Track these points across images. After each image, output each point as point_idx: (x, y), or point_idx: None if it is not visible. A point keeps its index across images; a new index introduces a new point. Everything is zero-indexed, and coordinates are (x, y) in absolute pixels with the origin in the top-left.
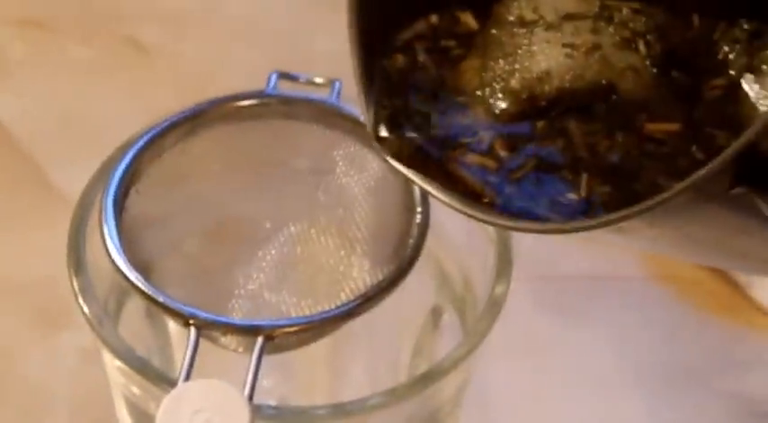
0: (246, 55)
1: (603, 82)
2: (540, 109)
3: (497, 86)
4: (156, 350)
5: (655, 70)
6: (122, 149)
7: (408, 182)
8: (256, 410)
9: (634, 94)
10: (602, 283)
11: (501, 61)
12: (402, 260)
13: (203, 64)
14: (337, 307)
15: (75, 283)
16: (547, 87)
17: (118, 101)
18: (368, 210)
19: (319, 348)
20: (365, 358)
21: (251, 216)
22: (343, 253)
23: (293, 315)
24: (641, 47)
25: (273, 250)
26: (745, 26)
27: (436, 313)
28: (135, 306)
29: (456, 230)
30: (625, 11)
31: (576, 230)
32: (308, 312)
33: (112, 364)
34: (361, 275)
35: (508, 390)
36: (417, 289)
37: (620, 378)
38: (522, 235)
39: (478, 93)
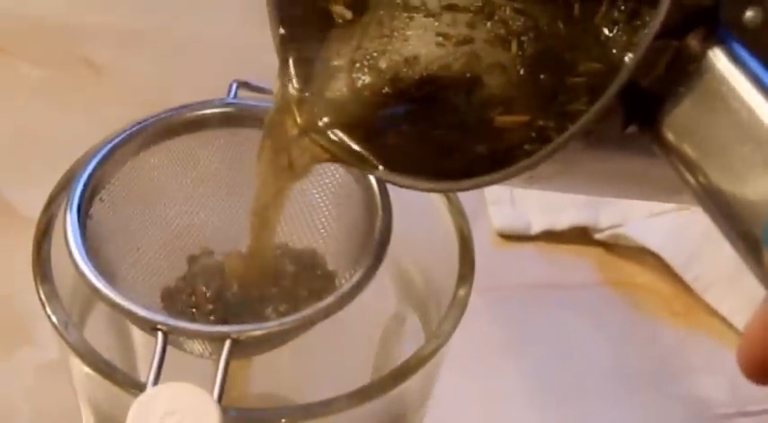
0: (200, 72)
1: (468, 75)
2: (402, 92)
3: (366, 63)
4: (119, 360)
5: (522, 71)
6: (86, 157)
7: (370, 188)
8: (225, 412)
9: (497, 90)
10: (555, 292)
11: (376, 40)
12: (365, 265)
13: (157, 81)
14: (301, 312)
15: (40, 291)
16: (411, 71)
17: (72, 119)
18: (330, 216)
19: (283, 353)
20: (329, 363)
21: (214, 223)
22: (306, 259)
23: (258, 321)
24: (514, 46)
25: (238, 257)
26: (623, 7)
27: (399, 319)
28: (98, 316)
29: (419, 237)
30: (508, 10)
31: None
32: (273, 318)
33: (80, 371)
34: (325, 281)
35: (461, 397)
36: (380, 295)
37: (575, 383)
38: (475, 245)
39: (351, 63)
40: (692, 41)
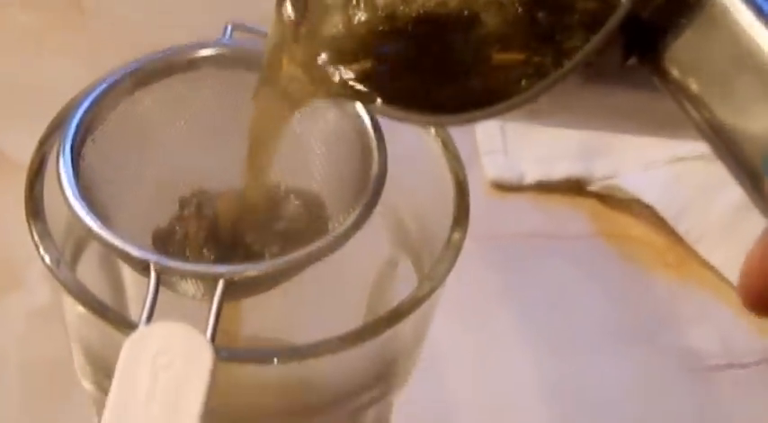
0: (192, 15)
1: (466, 12)
2: (399, 29)
3: (361, 2)
4: (110, 304)
5: (519, 9)
6: (79, 98)
7: (366, 133)
8: (218, 352)
9: (495, 28)
10: (549, 242)
11: None
12: (359, 208)
13: (148, 25)
14: (294, 253)
15: (33, 230)
16: (408, 9)
17: (62, 64)
18: (325, 160)
19: (276, 297)
20: (322, 308)
21: (208, 165)
22: (301, 201)
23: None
24: None
25: (231, 198)
26: None
27: (392, 264)
28: (89, 259)
29: (414, 183)
30: None
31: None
32: (266, 259)
33: (72, 311)
34: (320, 223)
35: (456, 346)
36: (374, 240)
37: (567, 332)
38: (471, 196)
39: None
40: None
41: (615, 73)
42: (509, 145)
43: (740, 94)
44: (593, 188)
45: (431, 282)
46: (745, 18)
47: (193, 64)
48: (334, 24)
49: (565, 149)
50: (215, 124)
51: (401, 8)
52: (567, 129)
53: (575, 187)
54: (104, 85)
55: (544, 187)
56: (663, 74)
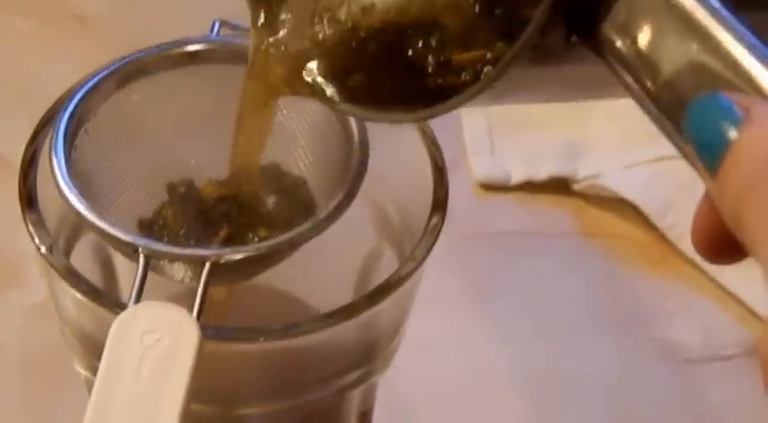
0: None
1: (425, 17)
2: (364, 39)
3: (326, 15)
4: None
5: (477, 8)
6: (71, 91)
7: (348, 123)
8: (204, 331)
9: (455, 29)
10: (533, 239)
11: None
12: (341, 194)
13: (143, 32)
14: (280, 236)
15: (27, 219)
16: (369, 19)
17: (59, 69)
18: (309, 149)
19: (263, 284)
20: (308, 295)
21: (196, 156)
22: (286, 187)
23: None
24: None
25: (217, 184)
26: None
27: (376, 254)
28: (82, 250)
29: (395, 172)
30: None
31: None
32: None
33: (65, 297)
34: (306, 209)
35: (442, 338)
36: (358, 230)
37: (551, 328)
38: (455, 195)
39: (312, 15)
40: None
41: (562, 50)
42: (496, 146)
43: (667, 63)
44: (577, 187)
45: (411, 262)
46: None
47: (182, 59)
48: (301, 35)
49: (550, 150)
50: (203, 117)
51: (363, 19)
52: (527, 103)
53: (560, 186)
54: (96, 79)
55: (530, 187)
56: (599, 49)
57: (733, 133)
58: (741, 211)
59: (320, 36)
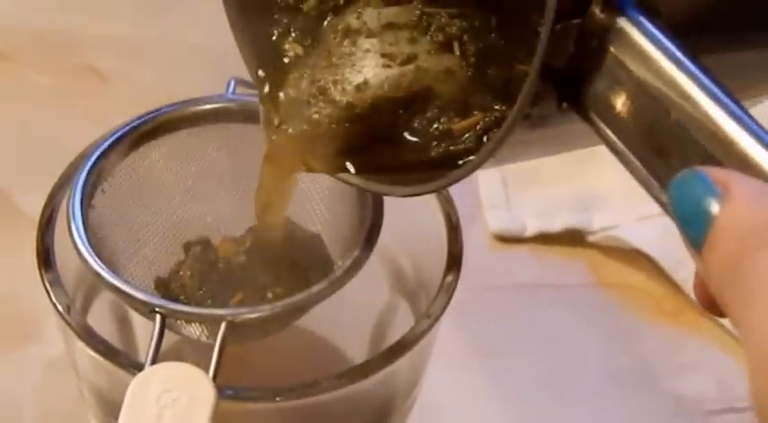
0: (203, 79)
1: (419, 87)
2: (360, 116)
3: (321, 97)
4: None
5: (470, 71)
6: (89, 150)
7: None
8: (220, 390)
9: (450, 95)
10: (549, 292)
11: (327, 71)
12: (356, 252)
13: (161, 89)
14: (296, 295)
15: (44, 278)
16: (364, 96)
17: (78, 126)
18: (323, 207)
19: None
20: (325, 351)
21: (213, 214)
22: (303, 245)
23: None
24: (456, 49)
25: (234, 244)
26: None
27: (391, 309)
28: (99, 309)
29: (410, 229)
30: (444, 17)
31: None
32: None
33: (83, 356)
34: (319, 269)
35: (457, 392)
36: (373, 286)
37: (567, 381)
38: (471, 248)
39: (308, 96)
40: (593, 17)
41: (556, 115)
42: (511, 199)
43: (644, 130)
44: (591, 239)
45: (427, 320)
46: (644, 53)
47: (198, 117)
48: (302, 120)
49: (564, 202)
50: (220, 175)
51: (358, 96)
52: (536, 158)
53: (574, 238)
54: (113, 138)
55: (545, 238)
56: (587, 117)
57: (715, 209)
58: (723, 297)
59: (316, 114)
